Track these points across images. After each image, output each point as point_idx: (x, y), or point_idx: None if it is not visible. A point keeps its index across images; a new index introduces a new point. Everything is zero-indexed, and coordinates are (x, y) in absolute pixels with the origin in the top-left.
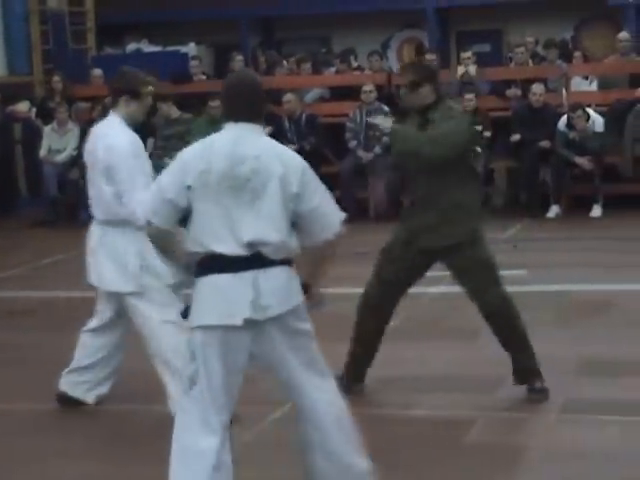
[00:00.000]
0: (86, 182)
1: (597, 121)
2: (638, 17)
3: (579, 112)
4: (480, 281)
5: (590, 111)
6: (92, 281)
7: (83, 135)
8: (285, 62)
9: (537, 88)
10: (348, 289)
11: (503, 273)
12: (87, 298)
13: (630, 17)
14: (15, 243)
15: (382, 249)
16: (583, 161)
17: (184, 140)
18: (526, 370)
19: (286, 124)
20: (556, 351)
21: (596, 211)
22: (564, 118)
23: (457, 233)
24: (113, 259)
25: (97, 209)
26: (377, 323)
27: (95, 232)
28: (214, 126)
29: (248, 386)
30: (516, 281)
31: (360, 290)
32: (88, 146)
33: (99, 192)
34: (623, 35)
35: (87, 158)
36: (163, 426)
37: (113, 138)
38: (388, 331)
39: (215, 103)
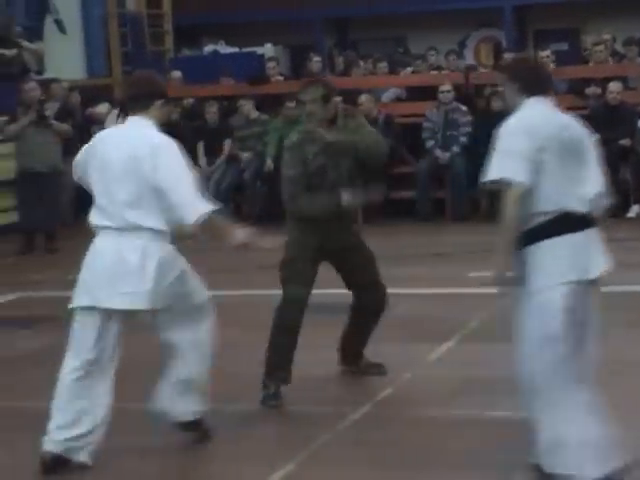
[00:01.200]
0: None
1: None
2: None
3: None
4: None
5: None
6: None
7: None
8: (362, 63)
9: (614, 86)
10: (425, 289)
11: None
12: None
13: None
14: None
15: None
16: None
17: (261, 141)
18: None
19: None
20: (632, 353)
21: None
22: None
23: None
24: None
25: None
26: None
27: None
28: (290, 127)
29: (326, 387)
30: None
31: (441, 290)
32: (117, 151)
33: (140, 196)
34: None
35: (116, 164)
36: (235, 425)
37: (159, 138)
38: (468, 332)
39: (292, 104)
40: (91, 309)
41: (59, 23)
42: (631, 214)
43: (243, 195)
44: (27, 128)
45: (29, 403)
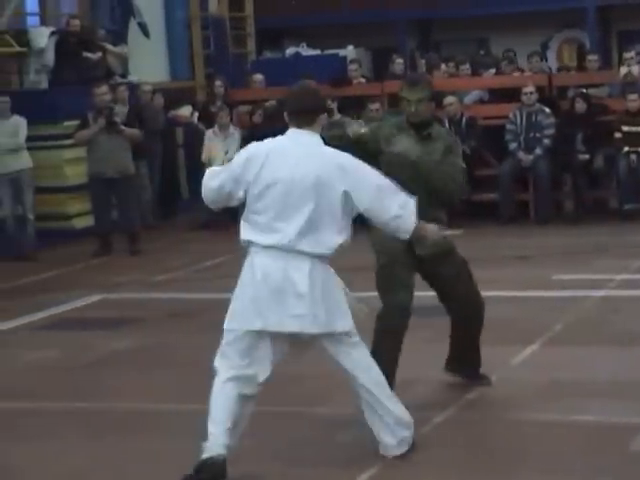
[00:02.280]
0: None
1: None
2: None
3: None
4: None
5: None
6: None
7: (244, 139)
8: (443, 65)
9: None
10: (509, 292)
11: None
12: None
13: None
14: (177, 246)
15: None
16: None
17: (342, 142)
18: None
19: (446, 126)
20: None
21: None
22: None
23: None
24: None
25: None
26: None
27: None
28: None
29: (411, 390)
30: None
31: (525, 293)
32: (297, 169)
33: (321, 221)
34: None
35: (298, 184)
36: (324, 428)
37: (342, 158)
38: (552, 335)
39: (375, 106)
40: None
41: (143, 26)
42: None
43: None
44: (98, 135)
45: (118, 404)
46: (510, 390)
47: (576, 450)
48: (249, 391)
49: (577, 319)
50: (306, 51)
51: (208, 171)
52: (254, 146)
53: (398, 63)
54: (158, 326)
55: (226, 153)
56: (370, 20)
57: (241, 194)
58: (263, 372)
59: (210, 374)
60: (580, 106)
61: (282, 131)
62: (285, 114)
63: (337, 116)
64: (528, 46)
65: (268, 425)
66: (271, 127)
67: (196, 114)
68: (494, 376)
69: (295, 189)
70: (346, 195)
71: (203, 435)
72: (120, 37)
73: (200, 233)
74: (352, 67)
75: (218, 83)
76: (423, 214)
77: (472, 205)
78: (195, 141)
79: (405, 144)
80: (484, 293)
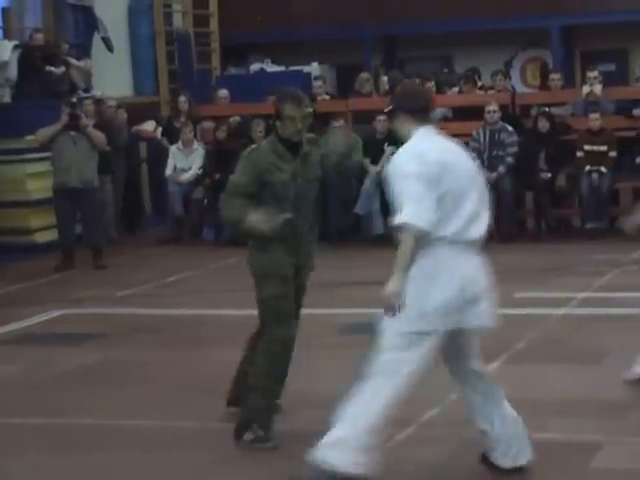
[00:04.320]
0: (211, 201)
1: None
2: None
3: None
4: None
5: None
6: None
7: (208, 155)
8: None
9: None
10: None
11: (629, 295)
12: (211, 316)
13: None
14: (140, 261)
15: None
16: None
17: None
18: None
19: None
20: None
21: None
22: None
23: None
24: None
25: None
26: None
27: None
28: None
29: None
30: None
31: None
32: (462, 164)
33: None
34: None
35: (466, 177)
36: None
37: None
38: (514, 353)
39: (339, 122)
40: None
41: (106, 41)
42: None
43: None
44: (63, 137)
45: (83, 420)
46: None
47: (537, 468)
48: None
49: (539, 337)
50: (271, 67)
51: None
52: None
53: (365, 79)
54: (121, 341)
55: (189, 169)
56: (335, 37)
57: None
58: None
59: (173, 389)
60: (543, 125)
61: (246, 146)
62: (404, 115)
63: None
64: (492, 64)
65: (230, 442)
66: (235, 143)
67: (160, 129)
68: (454, 394)
69: (464, 182)
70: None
71: (164, 450)
72: (84, 51)
73: (163, 248)
74: (316, 84)
75: (182, 99)
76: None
77: None
78: (159, 156)
79: (291, 169)
80: None
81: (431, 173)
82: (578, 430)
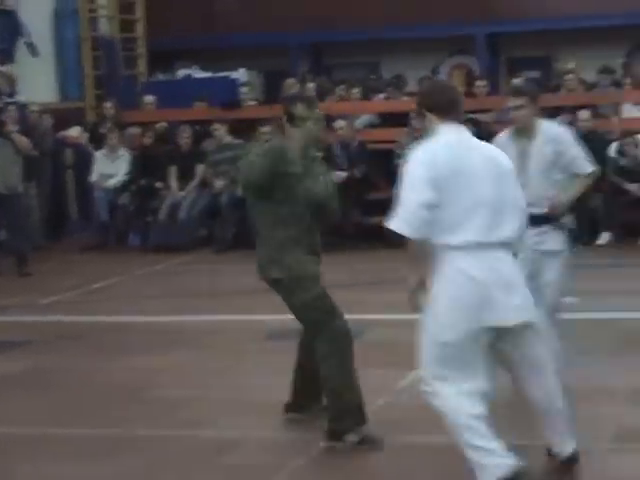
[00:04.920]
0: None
1: None
2: None
3: (629, 139)
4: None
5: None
6: None
7: (134, 161)
8: (338, 89)
9: (583, 114)
10: (400, 315)
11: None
12: (136, 322)
13: None
14: (65, 267)
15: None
16: (634, 188)
17: (234, 165)
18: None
19: (337, 150)
20: (608, 380)
21: None
22: (615, 145)
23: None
24: None
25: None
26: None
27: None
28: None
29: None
30: (567, 308)
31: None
32: (486, 164)
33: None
34: None
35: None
36: (211, 451)
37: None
38: None
39: (266, 129)
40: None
41: (31, 46)
42: (601, 241)
43: (215, 220)
44: None
45: (7, 429)
46: (397, 414)
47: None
48: None
49: None
50: (198, 73)
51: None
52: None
53: (290, 84)
54: (46, 349)
55: (115, 175)
56: (262, 43)
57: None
58: None
59: (98, 396)
60: (469, 130)
61: (172, 152)
62: (435, 112)
63: (228, 139)
64: (419, 71)
65: (157, 449)
66: (161, 148)
67: (86, 135)
68: (381, 400)
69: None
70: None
71: (91, 458)
72: (8, 56)
73: (89, 254)
74: (243, 90)
75: (108, 104)
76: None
77: (363, 229)
78: (84, 162)
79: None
80: (376, 316)
81: (439, 177)
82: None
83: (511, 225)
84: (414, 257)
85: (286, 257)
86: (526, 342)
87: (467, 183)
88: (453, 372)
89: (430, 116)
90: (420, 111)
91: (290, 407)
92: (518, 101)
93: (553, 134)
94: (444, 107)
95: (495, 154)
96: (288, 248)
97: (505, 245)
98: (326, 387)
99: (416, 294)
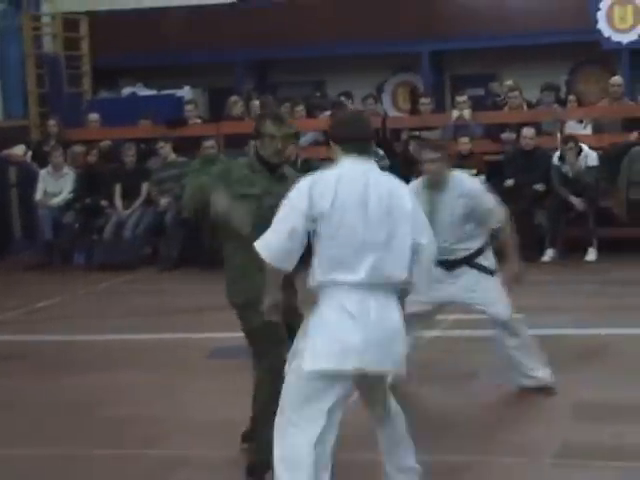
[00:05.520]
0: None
1: (590, 156)
2: (631, 62)
3: (570, 144)
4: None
5: (583, 145)
6: None
7: (79, 179)
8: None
9: (527, 132)
10: None
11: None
12: (80, 341)
13: (624, 62)
14: (9, 286)
15: None
16: (577, 201)
17: (179, 183)
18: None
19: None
20: (553, 395)
21: (591, 255)
22: (557, 153)
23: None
24: None
25: None
26: None
27: None
28: (208, 168)
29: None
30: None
31: None
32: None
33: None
34: (615, 80)
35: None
36: (159, 469)
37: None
38: None
39: (209, 143)
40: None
41: None
42: (546, 258)
43: (161, 238)
44: None
45: None
46: (348, 429)
47: None
48: None
49: (409, 359)
50: (142, 91)
51: None
52: None
53: (234, 102)
54: None
55: (60, 193)
56: (207, 61)
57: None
58: None
59: (42, 415)
60: (413, 149)
61: (117, 170)
62: (337, 144)
63: (172, 156)
64: (364, 89)
65: (106, 468)
66: (106, 167)
67: (30, 153)
68: None
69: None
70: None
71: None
72: None
73: (33, 273)
74: (188, 107)
75: (52, 122)
76: None
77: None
78: (28, 180)
79: (264, 185)
80: None
81: (315, 209)
82: (446, 451)
83: (399, 266)
84: (270, 281)
85: (244, 282)
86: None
87: (352, 220)
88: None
89: (334, 147)
90: (327, 141)
91: (248, 436)
92: (434, 155)
93: (465, 189)
94: (347, 140)
95: (397, 192)
96: (249, 273)
97: (390, 286)
98: (257, 418)
99: (270, 315)
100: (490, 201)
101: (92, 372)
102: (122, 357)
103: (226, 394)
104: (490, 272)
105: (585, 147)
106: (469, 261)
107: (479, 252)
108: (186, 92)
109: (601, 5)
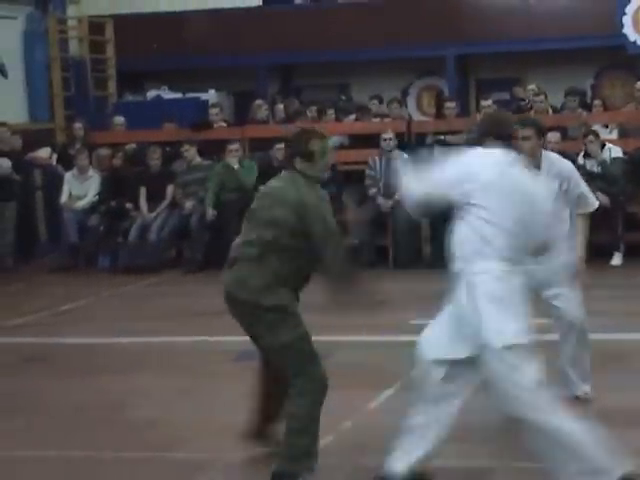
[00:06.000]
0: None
1: (614, 148)
2: None
3: (591, 137)
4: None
5: (605, 141)
6: None
7: (104, 182)
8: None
9: (552, 136)
10: (367, 337)
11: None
12: (105, 344)
13: None
14: (34, 289)
15: None
16: (604, 198)
17: (203, 186)
18: None
19: None
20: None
21: (617, 259)
22: (581, 153)
23: None
24: None
25: None
26: None
27: None
28: (231, 172)
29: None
30: (540, 330)
31: (383, 338)
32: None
33: None
34: None
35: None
36: (181, 472)
37: None
38: (408, 380)
39: (234, 146)
40: None
41: (0, 67)
42: None
43: (185, 241)
44: None
45: None
46: (367, 435)
47: None
48: None
49: None
50: (168, 94)
51: None
52: None
53: (258, 106)
54: (13, 371)
55: (85, 196)
56: (232, 64)
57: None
58: None
59: (67, 419)
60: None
61: (142, 173)
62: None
63: (197, 160)
64: (389, 92)
65: (128, 471)
66: (131, 170)
67: (55, 156)
68: (350, 421)
69: None
70: None
71: None
72: None
73: (58, 276)
74: (213, 111)
75: (78, 125)
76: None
77: None
78: (54, 183)
79: None
80: (343, 338)
81: None
82: (472, 456)
83: None
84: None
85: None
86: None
87: None
88: None
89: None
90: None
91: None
92: (527, 132)
93: (562, 169)
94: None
95: None
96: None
97: None
98: (289, 426)
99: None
100: (584, 185)
101: (115, 375)
102: (146, 360)
103: (248, 397)
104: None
105: (607, 143)
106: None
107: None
108: (211, 95)
109: (627, 9)
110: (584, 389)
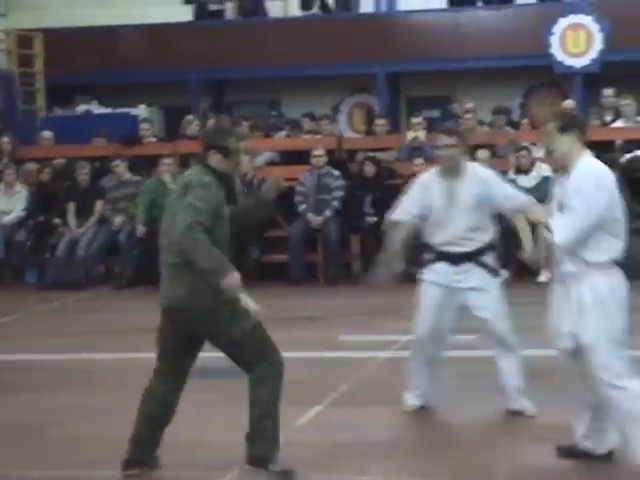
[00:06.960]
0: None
1: (543, 167)
2: (584, 85)
3: (523, 152)
4: None
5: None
6: None
7: (32, 197)
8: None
9: (482, 154)
10: (296, 353)
11: (455, 338)
12: (33, 360)
13: (576, 85)
14: None
15: None
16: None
17: (133, 202)
18: None
19: (238, 185)
20: (505, 416)
21: (544, 276)
22: (511, 170)
23: None
24: None
25: None
26: None
27: None
28: (162, 188)
29: (196, 451)
30: (466, 346)
31: (311, 354)
32: None
33: None
34: (568, 103)
35: None
36: None
37: None
38: (337, 396)
39: (167, 160)
40: None
41: None
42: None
43: (114, 257)
44: None
45: None
46: (295, 451)
47: None
48: None
49: (362, 380)
50: (97, 109)
51: None
52: None
53: (189, 121)
54: None
55: (12, 211)
56: (163, 79)
57: None
58: None
59: None
60: (369, 169)
61: (70, 189)
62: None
63: (127, 175)
64: (320, 109)
65: None
66: (60, 185)
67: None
68: (280, 437)
69: None
70: None
71: None
72: None
73: None
74: (144, 126)
75: (5, 139)
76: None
77: (262, 266)
78: None
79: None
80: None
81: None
82: (397, 473)
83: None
84: None
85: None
86: None
87: None
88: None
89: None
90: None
91: (131, 464)
92: (449, 140)
93: (482, 176)
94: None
95: None
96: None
97: None
98: (255, 412)
99: None
100: (508, 188)
101: (43, 392)
102: (75, 377)
103: (176, 414)
104: (495, 273)
105: (538, 162)
106: (477, 256)
107: (488, 248)
108: (141, 110)
109: (554, 30)
110: (522, 404)
